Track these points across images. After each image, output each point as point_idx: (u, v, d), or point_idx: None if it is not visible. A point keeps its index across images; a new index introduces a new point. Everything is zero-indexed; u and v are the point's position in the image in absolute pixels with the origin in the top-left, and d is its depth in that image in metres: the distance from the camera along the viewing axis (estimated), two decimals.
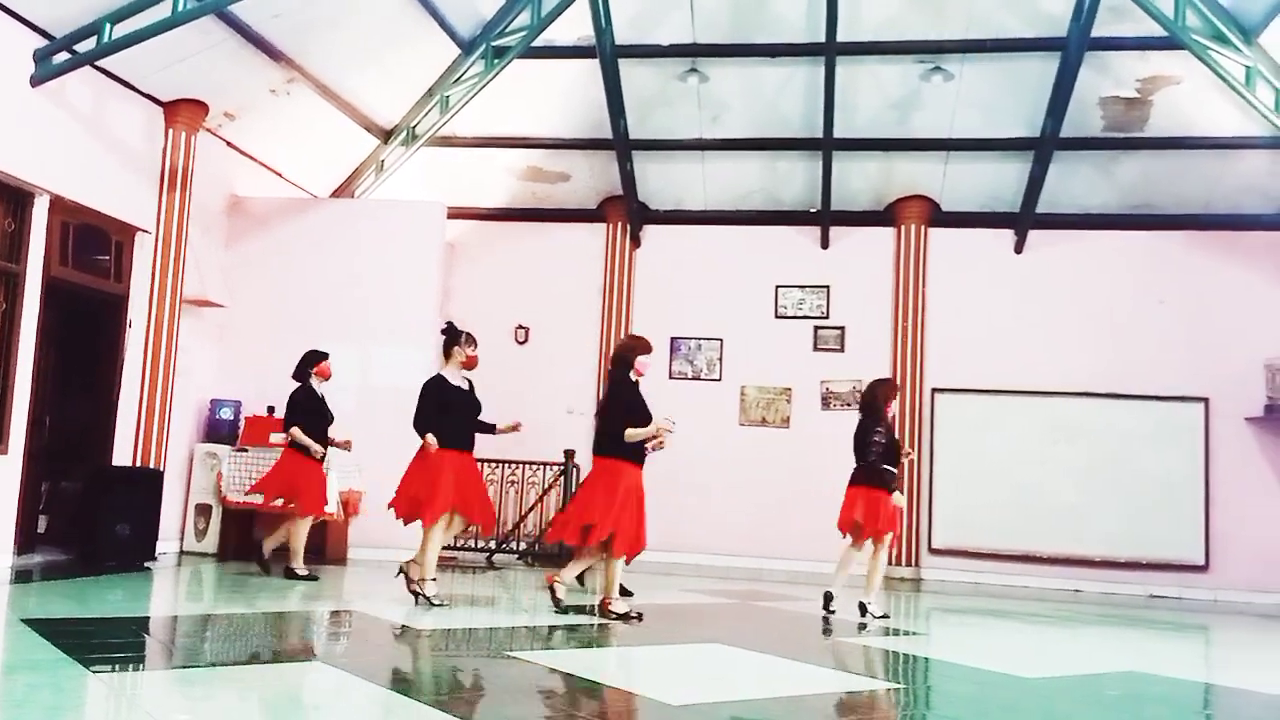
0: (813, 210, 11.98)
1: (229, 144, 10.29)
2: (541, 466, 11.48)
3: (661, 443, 6.87)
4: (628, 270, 12.37)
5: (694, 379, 12.10)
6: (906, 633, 7.42)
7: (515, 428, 7.28)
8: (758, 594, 9.27)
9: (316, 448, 8.48)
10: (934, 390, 11.57)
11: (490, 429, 7.45)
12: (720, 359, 12.10)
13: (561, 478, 11.28)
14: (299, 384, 8.73)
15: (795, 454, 11.57)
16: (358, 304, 10.59)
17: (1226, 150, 10.69)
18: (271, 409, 10.21)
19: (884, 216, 11.96)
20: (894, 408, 7.92)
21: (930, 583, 10.94)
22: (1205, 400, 11.00)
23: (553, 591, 6.90)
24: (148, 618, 6.58)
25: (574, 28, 10.50)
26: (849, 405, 11.64)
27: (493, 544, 11.26)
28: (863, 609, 7.54)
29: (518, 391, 12.05)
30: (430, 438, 6.96)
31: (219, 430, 10.15)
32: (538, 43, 10.47)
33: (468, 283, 12.46)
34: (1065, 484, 10.94)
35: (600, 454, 6.94)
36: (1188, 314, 11.13)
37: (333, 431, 8.75)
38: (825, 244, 12.06)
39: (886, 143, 11.37)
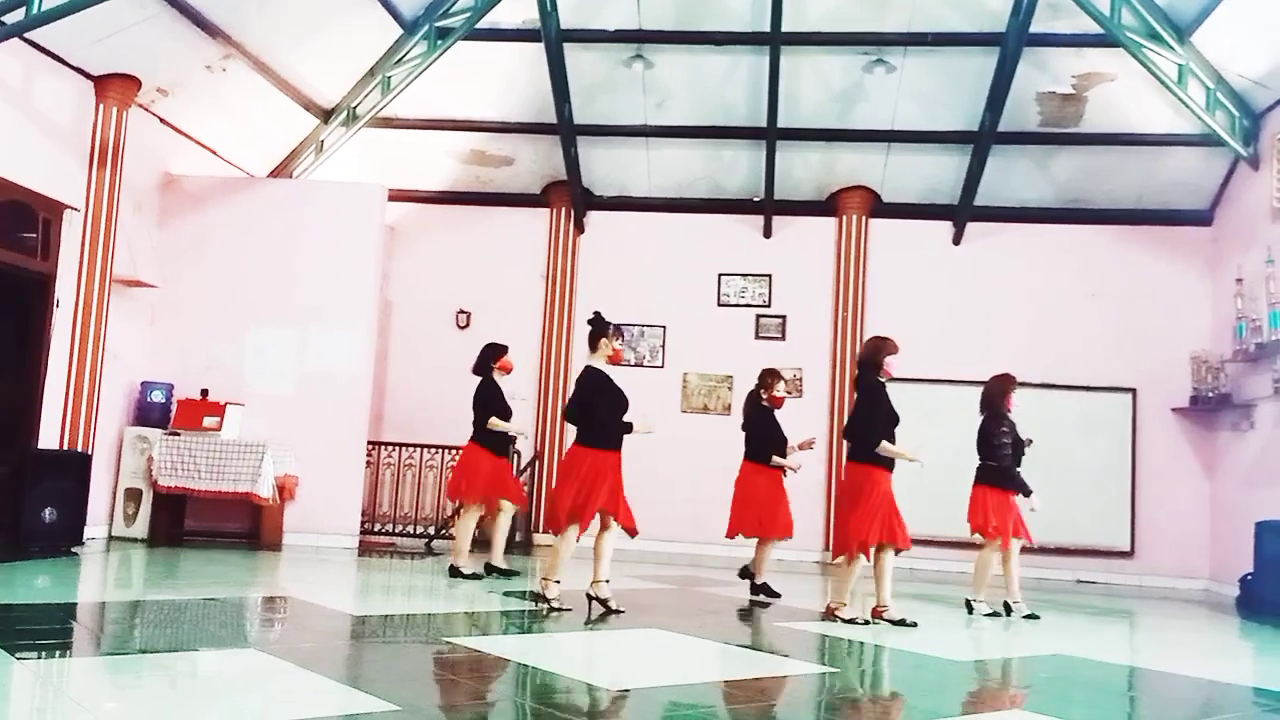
0: (756, 199, 12.04)
1: (162, 120, 10.04)
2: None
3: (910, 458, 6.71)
4: (571, 256, 12.33)
5: (637, 366, 12.10)
6: (847, 620, 7.50)
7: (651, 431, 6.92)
8: (697, 580, 9.33)
9: (516, 429, 8.19)
10: None
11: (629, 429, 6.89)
12: (663, 346, 12.13)
13: None
14: (480, 378, 8.38)
15: (736, 441, 11.57)
16: (295, 286, 10.43)
17: (1158, 147, 10.94)
18: (205, 392, 10.03)
19: (826, 206, 12.06)
20: (1014, 402, 7.78)
21: (868, 568, 11.08)
22: (1133, 391, 11.28)
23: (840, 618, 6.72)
24: (75, 604, 6.43)
25: (519, 10, 10.41)
26: (790, 393, 11.71)
27: (432, 530, 11.19)
28: (1006, 608, 7.61)
29: (459, 376, 11.97)
30: (646, 423, 6.59)
31: (150, 413, 9.94)
32: (482, 25, 10.36)
33: (408, 266, 12.34)
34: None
35: (856, 460, 6.77)
36: (1118, 307, 11.39)
37: (512, 425, 8.32)
38: (768, 233, 12.13)
39: (829, 133, 11.45)
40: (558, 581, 6.65)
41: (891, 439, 6.73)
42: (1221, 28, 9.32)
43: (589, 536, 6.70)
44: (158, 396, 10.00)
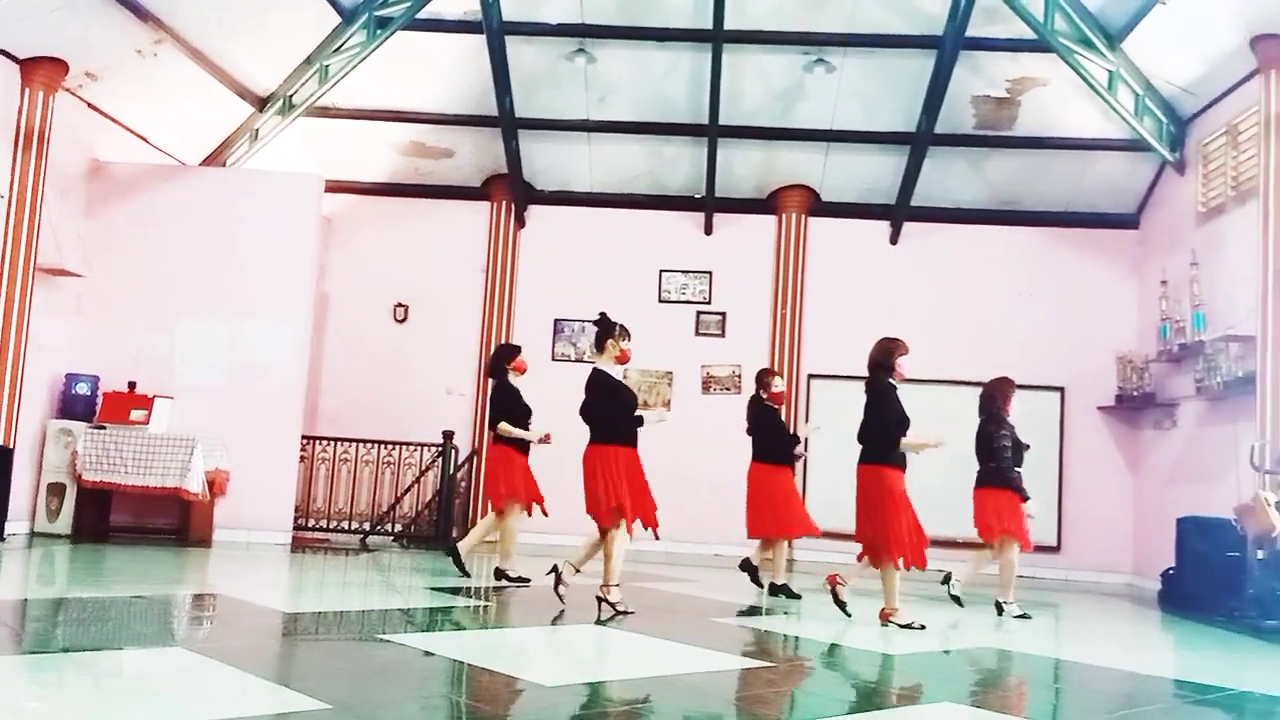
0: (697, 196, 12.08)
1: (91, 105, 9.77)
2: (419, 448, 11.32)
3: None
4: (511, 250, 12.26)
5: (577, 361, 12.06)
6: (780, 612, 7.58)
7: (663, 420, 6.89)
8: (635, 575, 9.33)
9: (533, 434, 7.95)
10: (810, 376, 11.82)
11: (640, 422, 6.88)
12: None
13: (440, 459, 11.13)
14: (495, 381, 8.20)
15: (675, 437, 11.65)
16: (228, 277, 10.24)
17: (1088, 151, 11.19)
18: (133, 384, 9.81)
19: (766, 204, 12.15)
20: (1013, 406, 7.81)
21: (803, 563, 11.19)
22: (1061, 390, 11.53)
23: (835, 594, 6.72)
24: None
25: (460, 1, 10.32)
26: (729, 389, 11.83)
27: (367, 526, 11.06)
28: (999, 608, 7.66)
29: (396, 370, 11.89)
30: (657, 413, 6.69)
31: (74, 406, 9.68)
32: (422, 15, 10.25)
33: (345, 258, 12.16)
34: (932, 470, 11.25)
35: (869, 462, 6.73)
36: (1048, 307, 11.63)
37: (533, 426, 8.10)
38: (709, 230, 12.18)
39: (770, 131, 11.53)
40: (617, 585, 6.53)
41: (899, 440, 6.74)
42: (1151, 35, 9.57)
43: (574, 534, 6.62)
44: (83, 389, 9.74)
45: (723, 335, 11.99)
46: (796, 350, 11.85)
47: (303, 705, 3.79)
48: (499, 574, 7.90)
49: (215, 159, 11.18)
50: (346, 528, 11.10)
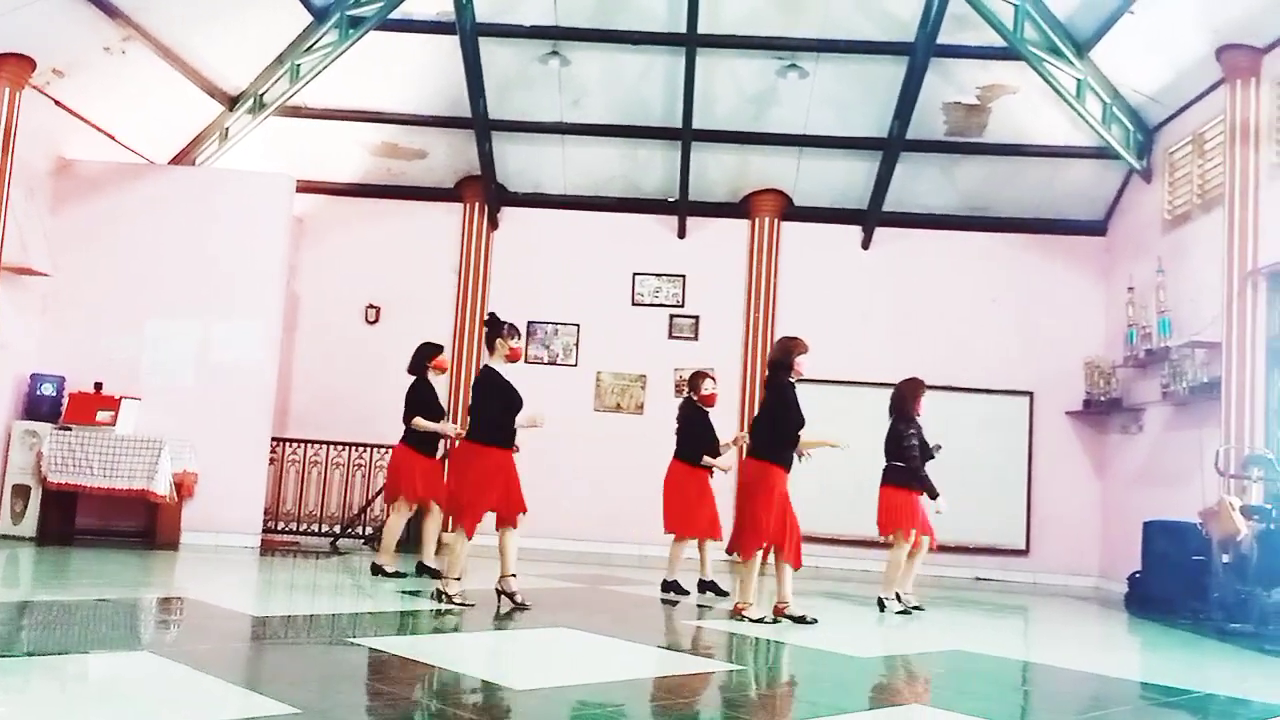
0: (671, 200, 12.09)
1: (57, 103, 9.65)
2: (390, 450, 11.22)
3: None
4: (484, 252, 12.22)
5: (550, 364, 12.07)
6: (751, 618, 7.59)
7: (537, 423, 6.89)
8: (607, 578, 9.33)
9: (447, 427, 8.03)
10: None
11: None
12: (577, 344, 12.11)
13: None
14: (414, 378, 8.26)
15: (648, 440, 11.63)
16: (197, 277, 10.14)
17: (1056, 158, 11.31)
18: (99, 385, 9.69)
19: (739, 209, 12.18)
20: (923, 406, 7.92)
21: (772, 565, 11.23)
22: (1030, 394, 11.64)
23: (749, 618, 6.76)
24: None
25: (433, 2, 10.28)
26: None
27: (337, 528, 10.98)
28: (880, 604, 7.74)
29: (368, 372, 11.79)
30: (533, 417, 6.70)
31: (40, 407, 9.56)
32: (395, 15, 10.20)
33: (316, 259, 12.07)
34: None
35: (755, 457, 6.79)
36: (1017, 313, 11.74)
37: (444, 425, 8.21)
38: (682, 233, 12.20)
39: (743, 136, 11.57)
40: (458, 578, 6.68)
41: (795, 441, 6.81)
42: (1119, 45, 9.69)
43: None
44: (48, 389, 9.62)
45: (696, 339, 12.01)
46: (770, 353, 11.87)
47: (271, 709, 3.76)
48: (375, 569, 8.09)
49: (184, 158, 11.07)
50: (316, 530, 11.02)
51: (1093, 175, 11.41)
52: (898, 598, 7.83)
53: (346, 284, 12.05)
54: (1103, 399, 11.08)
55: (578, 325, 12.10)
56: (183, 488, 9.62)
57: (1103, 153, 10.82)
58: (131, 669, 4.51)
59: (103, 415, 9.50)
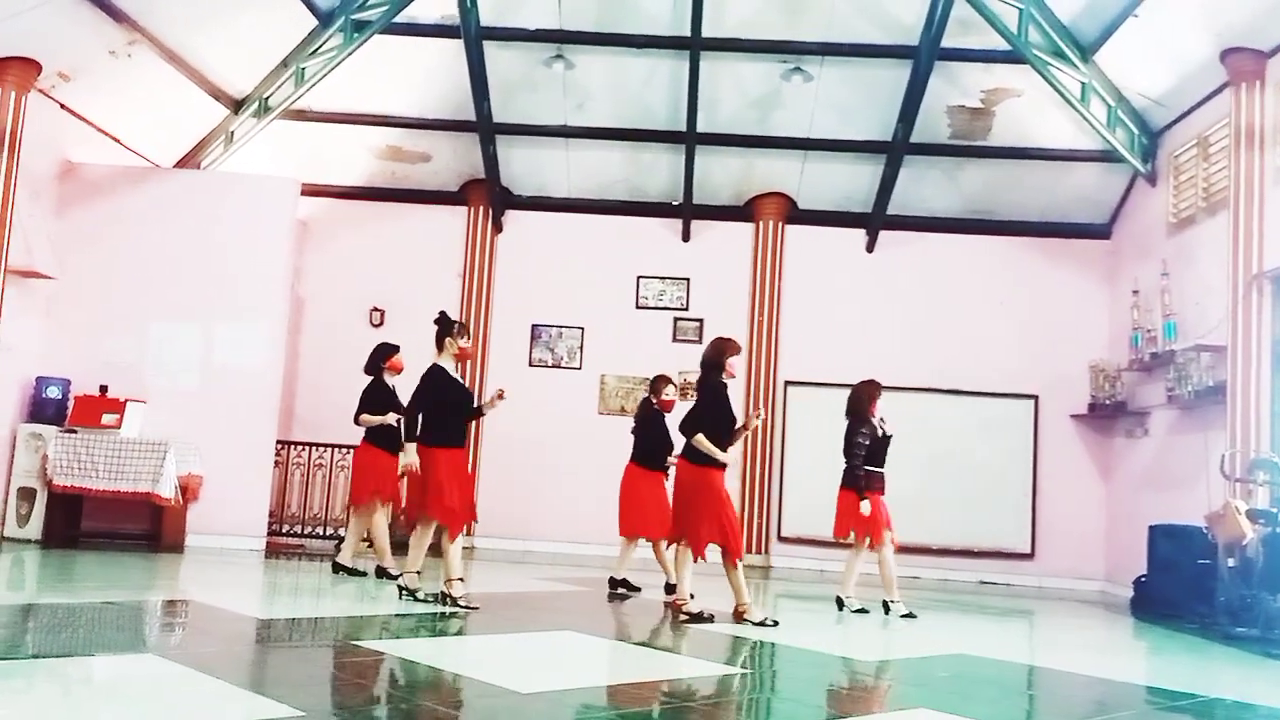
0: (675, 203, 12.10)
1: (63, 106, 9.68)
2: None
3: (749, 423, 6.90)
4: (489, 255, 12.24)
5: (554, 367, 12.08)
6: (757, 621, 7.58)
7: (500, 395, 6.98)
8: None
9: (390, 418, 8.10)
10: (786, 383, 11.86)
11: (479, 413, 7.29)
12: (581, 347, 12.11)
13: None
14: (371, 378, 8.36)
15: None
16: (202, 280, 10.16)
17: (1061, 162, 11.30)
18: (104, 388, 9.71)
19: (743, 212, 12.18)
20: (879, 408, 7.93)
21: (779, 569, 11.23)
22: (1035, 398, 11.63)
23: (680, 616, 6.80)
24: None
25: (438, 5, 10.30)
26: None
27: (341, 531, 10.97)
28: (886, 607, 7.71)
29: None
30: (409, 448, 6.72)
31: (45, 410, 9.57)
32: (400, 19, 10.22)
33: (321, 262, 12.10)
34: (907, 476, 11.29)
35: (687, 458, 6.85)
36: (1021, 316, 11.73)
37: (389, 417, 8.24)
38: (686, 237, 12.20)
39: (747, 139, 11.58)
40: (418, 572, 6.89)
41: (723, 439, 6.80)
42: (1123, 48, 9.68)
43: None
44: (53, 392, 9.63)
45: (700, 341, 11.95)
46: (773, 357, 11.89)
47: (276, 712, 3.76)
48: (380, 572, 8.18)
49: (189, 161, 11.10)
50: (321, 533, 11.02)
51: (1097, 179, 11.40)
52: (840, 603, 7.81)
53: (351, 287, 12.06)
54: (1108, 402, 11.07)
55: (582, 328, 12.11)
56: (188, 490, 9.64)
57: (1107, 156, 10.82)
58: (136, 671, 4.51)
59: (108, 418, 9.51)
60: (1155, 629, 8.24)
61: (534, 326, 12.11)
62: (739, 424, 6.98)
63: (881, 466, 7.92)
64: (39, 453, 9.36)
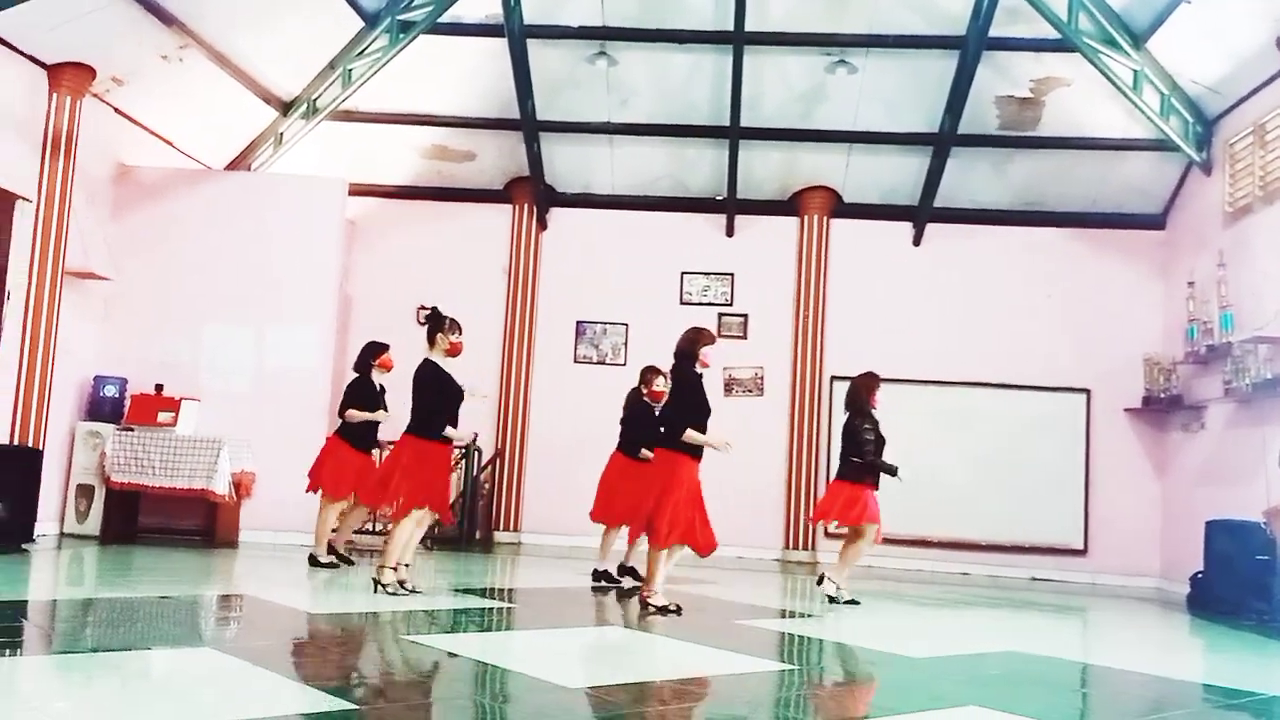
0: (719, 198, 12.07)
1: (117, 110, 9.87)
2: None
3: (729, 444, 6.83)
4: (534, 252, 12.30)
5: (599, 364, 12.11)
6: (802, 615, 7.57)
7: (485, 396, 7.12)
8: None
9: (379, 414, 8.38)
10: (833, 378, 11.76)
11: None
12: (625, 344, 12.13)
13: (463, 461, 11.16)
14: (358, 375, 8.62)
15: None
16: (253, 280, 10.31)
17: (1113, 151, 11.11)
18: (159, 387, 9.90)
19: (788, 206, 12.12)
20: (879, 401, 7.88)
21: (827, 566, 11.17)
22: (1087, 392, 11.45)
23: (651, 605, 6.79)
24: (25, 601, 6.30)
25: (482, 5, 10.36)
26: (751, 391, 11.81)
27: (390, 527, 11.08)
28: (822, 578, 7.74)
29: None
30: (455, 433, 6.85)
31: (102, 408, 9.78)
32: (444, 19, 10.30)
33: (369, 262, 12.23)
34: (956, 471, 11.27)
35: (663, 447, 6.83)
36: (1073, 309, 11.55)
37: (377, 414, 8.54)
38: (730, 232, 12.17)
39: (791, 133, 11.51)
40: (394, 568, 6.88)
41: (702, 430, 6.75)
42: (1176, 34, 9.49)
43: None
44: (111, 391, 9.83)
45: (745, 337, 11.97)
46: (819, 352, 11.82)
47: (329, 706, 3.81)
48: (313, 560, 8.36)
49: (240, 163, 11.27)
50: (371, 529, 11.14)
51: (1150, 168, 11.19)
52: (828, 595, 7.76)
53: (398, 285, 12.17)
54: (1162, 396, 10.87)
55: (626, 325, 12.12)
56: (241, 487, 9.79)
57: (1161, 145, 10.61)
58: (193, 665, 4.60)
59: (163, 416, 9.69)
60: (1212, 626, 8.09)
61: (578, 323, 12.15)
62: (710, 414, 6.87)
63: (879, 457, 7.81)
64: (97, 450, 9.56)
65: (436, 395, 6.82)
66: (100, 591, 6.95)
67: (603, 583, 8.33)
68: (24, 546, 8.24)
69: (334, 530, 8.64)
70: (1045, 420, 11.44)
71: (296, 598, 7.09)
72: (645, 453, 8.25)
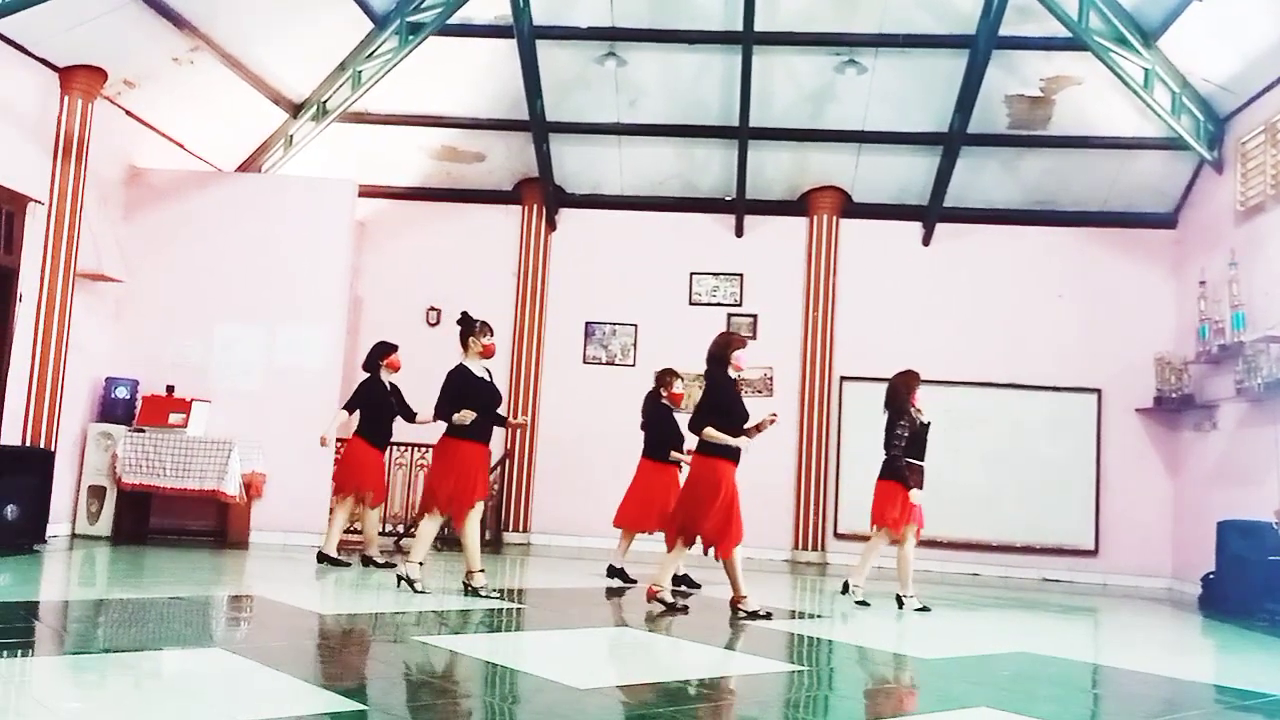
0: (728, 198, 12.06)
1: (129, 113, 9.92)
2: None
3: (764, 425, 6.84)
4: (543, 253, 12.30)
5: (608, 364, 12.11)
6: (810, 615, 7.55)
7: (522, 425, 7.20)
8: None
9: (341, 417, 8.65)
10: (842, 378, 11.77)
11: (502, 421, 7.38)
12: (634, 345, 12.13)
13: None
14: (368, 375, 8.75)
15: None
16: (264, 282, 10.34)
17: (1124, 150, 11.07)
18: (171, 388, 9.93)
19: (797, 206, 12.11)
20: (919, 399, 7.86)
21: (836, 566, 11.14)
22: (1099, 391, 11.40)
23: (661, 600, 6.91)
24: (37, 602, 6.33)
25: (491, 6, 10.37)
26: (760, 392, 11.79)
27: (400, 528, 11.12)
28: (899, 601, 7.67)
29: (430, 374, 11.89)
30: (459, 415, 6.88)
31: (114, 410, 9.82)
32: (454, 20, 10.32)
33: (379, 263, 12.26)
34: (966, 472, 11.23)
35: (700, 453, 6.87)
36: (1084, 308, 11.51)
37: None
38: (740, 232, 12.16)
39: (801, 133, 11.50)
40: (421, 564, 7.00)
41: (733, 431, 6.73)
42: (1188, 32, 9.45)
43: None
44: (122, 392, 9.87)
45: (754, 337, 11.95)
46: (828, 352, 11.80)
47: (340, 706, 3.82)
48: (366, 560, 8.59)
49: (251, 165, 11.31)
50: (381, 530, 11.15)
51: (1162, 167, 11.14)
52: (846, 590, 7.73)
53: (408, 286, 12.20)
54: (1174, 395, 10.82)
55: (635, 325, 12.12)
56: (252, 488, 9.82)
57: (1172, 144, 10.57)
58: (204, 665, 4.62)
59: (175, 417, 9.73)
60: (1224, 627, 8.05)
61: (588, 324, 12.16)
62: (750, 420, 6.87)
63: (921, 459, 7.78)
64: (108, 451, 9.60)
65: (457, 398, 6.90)
66: (112, 592, 6.98)
67: (617, 580, 8.37)
68: (36, 548, 8.29)
69: (352, 531, 8.70)
70: (1056, 420, 11.40)
71: (307, 598, 7.11)
72: (675, 455, 8.28)
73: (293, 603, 6.66)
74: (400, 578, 7.06)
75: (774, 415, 6.88)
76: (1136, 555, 11.09)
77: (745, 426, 6.79)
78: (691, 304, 12.09)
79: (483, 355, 7.13)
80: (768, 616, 6.70)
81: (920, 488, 7.71)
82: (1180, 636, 7.96)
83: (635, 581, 8.35)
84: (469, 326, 7.15)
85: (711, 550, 6.83)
